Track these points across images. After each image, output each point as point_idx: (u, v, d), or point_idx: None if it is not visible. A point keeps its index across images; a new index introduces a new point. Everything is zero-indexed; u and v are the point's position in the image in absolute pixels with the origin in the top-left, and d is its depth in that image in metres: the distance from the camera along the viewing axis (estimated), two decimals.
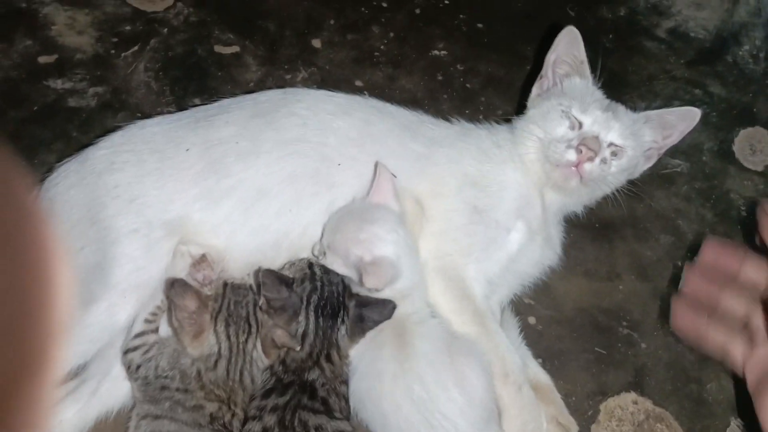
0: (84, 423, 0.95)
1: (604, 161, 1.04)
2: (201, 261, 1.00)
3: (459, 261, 1.04)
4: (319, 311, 0.94)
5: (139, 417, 0.91)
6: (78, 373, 0.98)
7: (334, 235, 1.00)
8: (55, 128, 1.29)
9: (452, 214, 1.07)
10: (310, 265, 0.98)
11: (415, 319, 0.98)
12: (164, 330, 0.96)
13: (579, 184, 1.05)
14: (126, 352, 0.94)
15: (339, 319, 0.95)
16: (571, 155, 1.04)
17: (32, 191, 0.35)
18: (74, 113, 1.32)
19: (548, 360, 1.10)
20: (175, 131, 1.06)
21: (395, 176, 1.05)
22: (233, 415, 0.92)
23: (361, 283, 0.96)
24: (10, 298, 0.31)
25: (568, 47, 1.11)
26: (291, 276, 0.97)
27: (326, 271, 0.98)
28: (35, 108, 1.31)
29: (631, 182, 1.12)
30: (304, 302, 0.94)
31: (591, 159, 1.03)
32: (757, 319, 0.78)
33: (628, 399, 1.11)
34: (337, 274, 0.98)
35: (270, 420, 0.89)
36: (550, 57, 1.12)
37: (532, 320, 1.17)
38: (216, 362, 0.92)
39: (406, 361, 0.92)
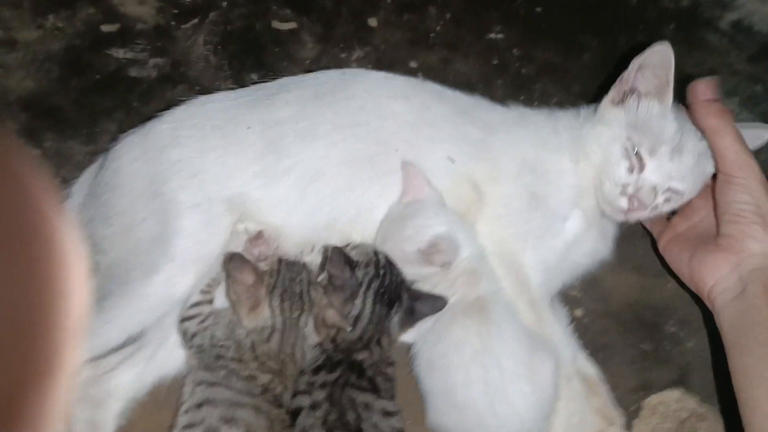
0: (140, 387, 0.99)
1: (655, 208, 1.03)
2: (258, 237, 1.03)
3: (516, 247, 1.05)
4: (377, 298, 0.96)
5: (195, 383, 0.94)
6: (135, 339, 1.01)
7: (385, 246, 1.02)
8: (116, 98, 1.32)
9: (509, 200, 1.07)
10: (376, 252, 1.00)
11: (497, 299, 0.99)
12: (219, 302, 0.98)
13: (627, 220, 1.06)
14: (183, 320, 0.97)
15: (393, 309, 0.97)
16: (623, 203, 1.02)
17: (50, 191, 0.35)
18: (135, 83, 1.34)
19: (593, 353, 1.10)
20: (237, 109, 1.07)
21: (453, 161, 1.05)
22: (284, 387, 0.94)
23: (431, 265, 0.99)
24: (24, 299, 0.31)
25: (658, 65, 1.03)
26: (356, 259, 0.99)
27: (389, 261, 1.00)
28: (97, 76, 1.34)
29: None
30: (364, 286, 0.96)
31: (642, 210, 1.02)
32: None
33: (671, 396, 1.11)
34: (397, 267, 1.00)
35: (319, 395, 0.92)
36: (636, 63, 1.04)
37: (579, 312, 1.17)
38: (270, 335, 0.94)
39: (489, 339, 0.94)
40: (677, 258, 1.06)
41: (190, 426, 0.89)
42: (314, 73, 1.15)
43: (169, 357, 1.00)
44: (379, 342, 0.97)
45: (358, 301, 0.96)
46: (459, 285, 0.99)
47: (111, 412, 0.97)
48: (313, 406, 0.91)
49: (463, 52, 1.49)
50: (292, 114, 1.06)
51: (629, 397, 1.10)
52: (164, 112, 1.10)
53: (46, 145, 1.24)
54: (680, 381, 1.13)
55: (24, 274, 0.31)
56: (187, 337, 0.96)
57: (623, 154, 1.03)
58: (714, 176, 1.02)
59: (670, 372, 1.14)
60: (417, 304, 0.99)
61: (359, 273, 0.97)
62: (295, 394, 0.94)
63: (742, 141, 0.98)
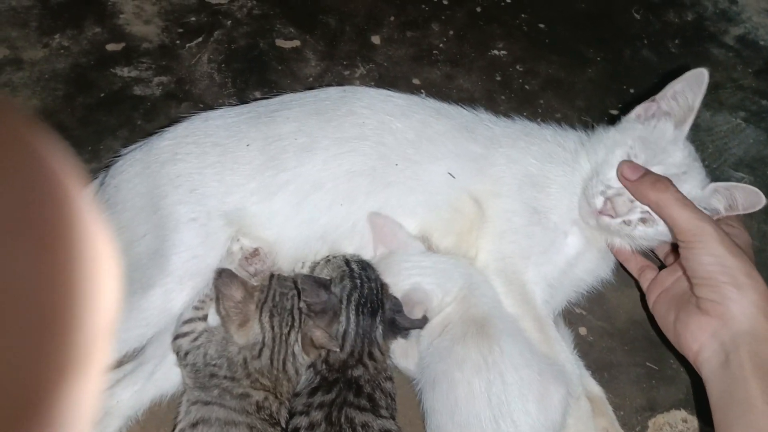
0: (140, 404, 0.98)
1: (627, 222, 1.01)
2: (254, 255, 1.03)
3: (519, 263, 1.04)
4: (360, 309, 0.95)
5: (190, 403, 0.93)
6: (135, 356, 1.01)
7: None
8: (121, 115, 1.33)
9: (511, 215, 1.06)
10: (347, 261, 0.99)
11: (495, 315, 0.98)
12: (213, 319, 0.98)
13: (596, 225, 1.04)
14: (176, 337, 0.96)
15: (378, 317, 0.96)
16: (599, 202, 1.01)
17: (82, 185, 0.35)
18: (139, 101, 1.35)
19: (598, 372, 1.09)
20: (237, 126, 1.08)
21: (454, 176, 1.05)
22: (281, 403, 0.93)
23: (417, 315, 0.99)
24: (56, 294, 0.31)
25: (689, 89, 1.03)
26: (328, 276, 0.98)
27: (363, 267, 0.99)
28: (102, 95, 1.35)
29: None
30: (345, 301, 0.95)
31: (611, 216, 1.01)
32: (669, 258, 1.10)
33: (677, 416, 1.09)
34: (374, 270, 1.00)
35: (317, 416, 0.90)
36: (676, 86, 1.04)
37: (583, 331, 1.15)
38: (260, 351, 0.93)
39: (490, 354, 0.93)
40: (664, 319, 1.03)
41: None
42: (315, 90, 1.16)
43: (168, 374, 0.99)
44: (371, 355, 0.96)
45: (342, 318, 0.95)
46: (452, 313, 0.99)
47: (109, 430, 0.96)
48: (311, 427, 0.89)
49: (466, 68, 1.49)
50: (293, 129, 1.06)
51: (635, 417, 1.08)
52: (166, 128, 1.10)
53: None
54: (686, 401, 1.11)
55: (50, 269, 0.30)
56: (181, 355, 0.95)
57: (621, 159, 1.02)
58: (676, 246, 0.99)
59: (677, 391, 1.12)
60: (398, 317, 0.97)
61: (336, 290, 0.96)
62: (292, 415, 0.93)
63: (689, 205, 0.94)
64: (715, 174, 1.38)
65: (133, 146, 1.10)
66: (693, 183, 1.01)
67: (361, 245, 1.04)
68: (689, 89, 1.03)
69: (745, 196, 0.99)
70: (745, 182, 1.38)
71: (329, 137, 1.05)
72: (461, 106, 1.16)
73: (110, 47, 1.42)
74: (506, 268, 1.04)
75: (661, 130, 1.05)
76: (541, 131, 1.14)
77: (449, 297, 1.00)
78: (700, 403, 1.10)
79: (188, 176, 1.02)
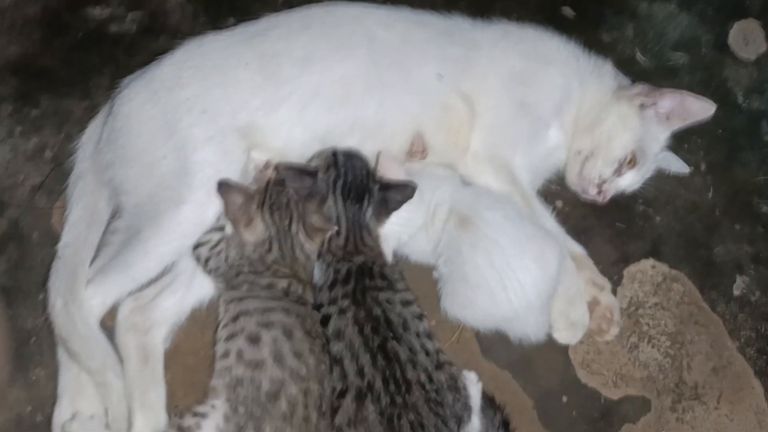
0: (182, 311, 1.08)
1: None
2: (266, 167, 1.12)
3: (507, 152, 1.18)
4: (345, 195, 1.05)
5: (227, 302, 1.02)
6: (170, 270, 1.09)
7: None
8: (102, 53, 1.36)
9: (500, 109, 1.19)
10: (335, 152, 1.08)
11: (462, 200, 1.12)
12: (230, 228, 1.07)
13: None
14: (195, 247, 1.06)
15: (365, 202, 1.06)
16: (593, 191, 1.23)
17: None
18: (118, 38, 1.38)
19: (575, 236, 1.23)
20: (233, 47, 1.14)
21: (442, 76, 1.17)
22: (305, 285, 1.03)
23: None
24: None
25: (694, 114, 1.22)
26: (315, 165, 1.07)
27: (350, 157, 1.08)
28: (80, 35, 1.37)
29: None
30: (331, 188, 1.05)
31: (598, 197, 1.24)
32: None
33: (647, 264, 1.27)
34: (361, 159, 1.09)
35: (344, 303, 1.00)
36: (684, 98, 1.22)
37: (559, 203, 1.30)
38: (270, 245, 1.04)
39: (477, 230, 1.06)
40: None
41: (231, 336, 0.97)
42: (298, 8, 1.22)
43: (204, 282, 1.08)
44: (363, 240, 1.06)
45: (330, 202, 1.05)
46: (436, 231, 1.12)
47: (158, 337, 1.05)
48: (341, 311, 0.99)
49: None
50: (286, 46, 1.14)
51: (611, 269, 1.25)
52: (159, 57, 1.15)
53: (43, 105, 1.28)
54: (653, 251, 1.29)
55: None
56: (202, 262, 1.05)
57: (621, 159, 1.21)
58: None
59: (644, 244, 1.30)
60: (388, 194, 1.07)
61: (323, 177, 1.05)
62: (320, 306, 1.03)
63: None
64: (657, 56, 1.54)
65: (133, 75, 1.15)
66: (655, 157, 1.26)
67: (362, 139, 1.14)
68: (693, 114, 1.22)
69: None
70: (683, 62, 1.55)
71: (322, 48, 1.14)
72: (437, 13, 1.25)
73: None
74: (495, 155, 1.18)
75: (656, 132, 1.25)
76: (523, 31, 1.27)
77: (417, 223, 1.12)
78: (664, 251, 1.29)
79: (196, 99, 1.09)
